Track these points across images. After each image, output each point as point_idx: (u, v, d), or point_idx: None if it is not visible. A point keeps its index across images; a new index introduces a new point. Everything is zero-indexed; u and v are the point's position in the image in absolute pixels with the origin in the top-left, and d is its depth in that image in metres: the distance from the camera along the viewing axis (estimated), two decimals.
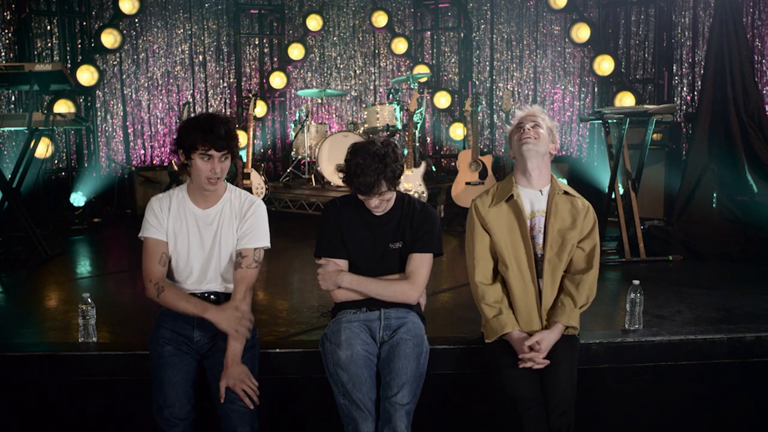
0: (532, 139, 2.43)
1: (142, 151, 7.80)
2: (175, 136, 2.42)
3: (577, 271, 2.49)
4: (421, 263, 2.49)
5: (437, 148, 8.51)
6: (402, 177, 2.46)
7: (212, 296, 2.51)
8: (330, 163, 6.45)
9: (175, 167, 6.87)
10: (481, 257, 2.50)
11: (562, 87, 7.82)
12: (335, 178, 6.43)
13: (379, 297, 2.46)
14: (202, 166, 2.36)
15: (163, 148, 7.90)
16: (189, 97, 7.98)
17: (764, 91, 6.05)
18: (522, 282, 2.45)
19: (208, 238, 2.48)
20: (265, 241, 2.52)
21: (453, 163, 7.82)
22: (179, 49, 7.96)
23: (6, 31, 6.81)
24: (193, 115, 6.73)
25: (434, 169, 7.34)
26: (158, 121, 7.88)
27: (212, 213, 2.49)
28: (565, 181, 2.73)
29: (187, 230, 2.47)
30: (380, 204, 2.45)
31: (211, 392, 2.37)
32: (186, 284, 2.50)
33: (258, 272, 2.51)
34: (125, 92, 7.67)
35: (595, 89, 7.59)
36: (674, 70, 6.98)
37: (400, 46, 8.38)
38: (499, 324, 2.41)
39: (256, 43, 8.44)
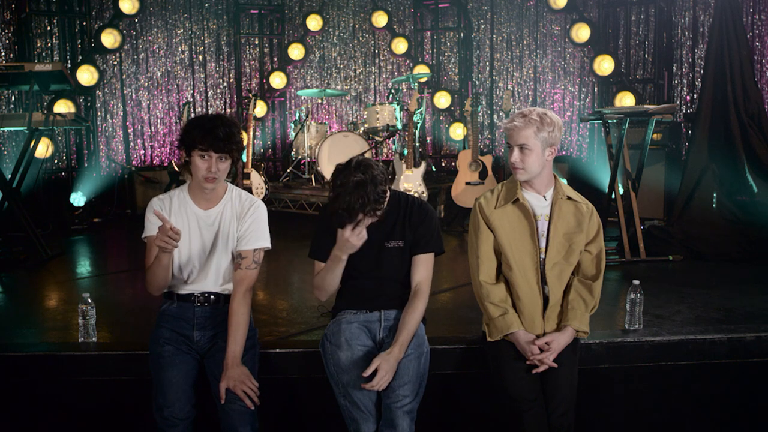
0: (520, 169, 2.41)
1: (142, 151, 7.80)
2: (180, 133, 2.43)
3: (588, 277, 2.49)
4: (427, 276, 2.50)
5: (437, 148, 8.50)
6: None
7: (211, 296, 2.51)
8: (330, 163, 6.44)
9: (176, 167, 6.91)
10: (486, 257, 2.49)
11: (562, 87, 7.82)
12: None
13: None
14: (200, 164, 2.37)
15: (163, 148, 7.90)
16: (189, 97, 7.98)
17: (764, 91, 6.04)
18: (527, 284, 2.44)
19: (208, 238, 2.48)
20: (264, 242, 2.52)
21: (453, 163, 7.81)
22: (179, 49, 7.96)
23: (6, 31, 6.81)
24: (194, 115, 6.75)
25: (434, 169, 7.33)
26: (158, 121, 7.87)
27: (213, 213, 2.49)
28: (565, 181, 2.71)
29: (189, 230, 2.47)
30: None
31: (212, 392, 2.37)
32: (185, 284, 2.50)
33: (258, 273, 2.52)
34: (125, 92, 7.66)
35: (595, 89, 7.58)
36: (674, 70, 6.97)
37: (400, 46, 8.38)
38: (504, 323, 2.40)
39: (256, 43, 8.43)
